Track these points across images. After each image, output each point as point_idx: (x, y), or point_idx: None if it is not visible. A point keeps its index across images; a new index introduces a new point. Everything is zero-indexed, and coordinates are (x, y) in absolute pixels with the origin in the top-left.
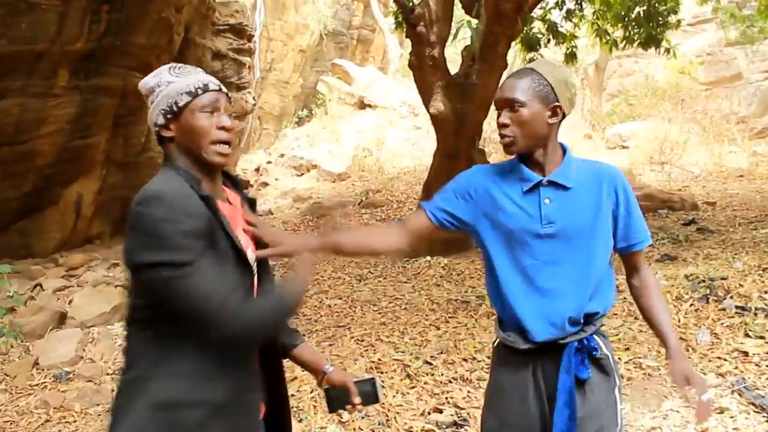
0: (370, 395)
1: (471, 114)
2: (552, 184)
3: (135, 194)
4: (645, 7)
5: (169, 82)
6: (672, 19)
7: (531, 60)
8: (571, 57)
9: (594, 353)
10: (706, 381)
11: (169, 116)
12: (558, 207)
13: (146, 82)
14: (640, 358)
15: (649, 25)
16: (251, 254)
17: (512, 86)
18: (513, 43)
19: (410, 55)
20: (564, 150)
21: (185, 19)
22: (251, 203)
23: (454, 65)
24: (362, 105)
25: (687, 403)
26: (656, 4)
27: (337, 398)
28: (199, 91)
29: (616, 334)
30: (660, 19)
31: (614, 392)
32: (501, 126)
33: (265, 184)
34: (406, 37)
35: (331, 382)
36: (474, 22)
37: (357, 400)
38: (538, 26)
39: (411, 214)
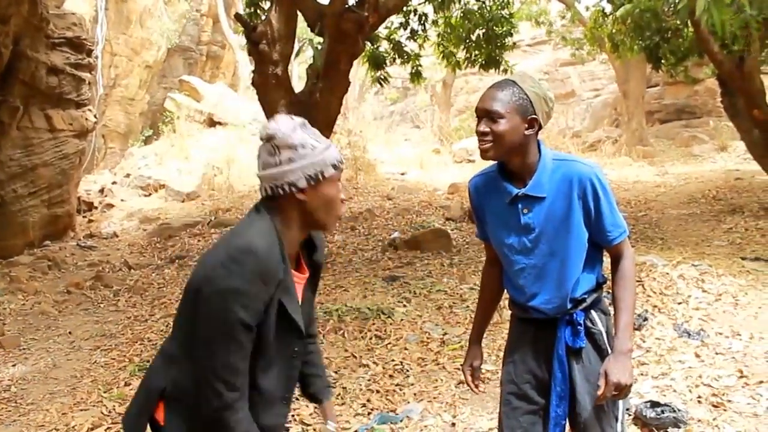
0: None
1: None
2: (527, 196)
3: None
4: (484, 30)
5: (313, 147)
6: (509, 41)
7: (378, 78)
8: (416, 76)
9: (578, 327)
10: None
11: (312, 182)
12: (536, 215)
13: (287, 136)
14: None
15: (488, 47)
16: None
17: (493, 98)
18: (356, 62)
19: (252, 72)
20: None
21: (13, 30)
22: (316, 268)
23: (304, 82)
24: (212, 122)
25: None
26: (494, 27)
27: None
28: (341, 166)
29: (459, 342)
30: (498, 41)
31: None
32: (480, 134)
33: (110, 206)
34: (249, 55)
35: None
36: (317, 40)
37: None
38: (384, 45)
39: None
